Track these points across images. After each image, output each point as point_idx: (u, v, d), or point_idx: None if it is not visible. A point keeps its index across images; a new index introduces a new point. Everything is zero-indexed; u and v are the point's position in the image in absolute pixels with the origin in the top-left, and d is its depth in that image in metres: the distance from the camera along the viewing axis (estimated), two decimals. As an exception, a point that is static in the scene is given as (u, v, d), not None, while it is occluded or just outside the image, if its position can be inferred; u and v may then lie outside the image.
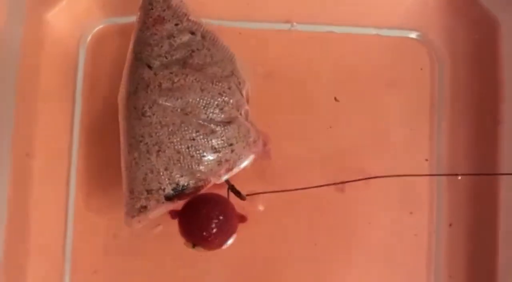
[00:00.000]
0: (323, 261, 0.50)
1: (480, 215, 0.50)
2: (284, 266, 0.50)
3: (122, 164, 0.44)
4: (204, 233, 0.42)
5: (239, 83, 0.45)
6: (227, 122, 0.43)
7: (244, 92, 0.46)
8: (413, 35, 0.52)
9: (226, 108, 0.44)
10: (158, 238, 0.49)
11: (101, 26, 0.51)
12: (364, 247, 0.50)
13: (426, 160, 0.51)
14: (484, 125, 0.50)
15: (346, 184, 0.50)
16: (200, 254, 0.49)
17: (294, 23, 0.51)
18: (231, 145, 0.43)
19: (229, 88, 0.44)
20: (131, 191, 0.43)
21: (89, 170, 0.49)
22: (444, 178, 0.50)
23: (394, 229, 0.50)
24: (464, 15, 0.51)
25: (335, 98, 0.50)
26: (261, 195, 0.49)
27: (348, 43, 0.52)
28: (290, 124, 0.51)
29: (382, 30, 0.52)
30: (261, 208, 0.50)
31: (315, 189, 0.50)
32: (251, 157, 0.45)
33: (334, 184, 0.47)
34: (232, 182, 0.45)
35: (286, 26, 0.51)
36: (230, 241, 0.44)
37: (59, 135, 0.50)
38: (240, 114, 0.45)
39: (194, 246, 0.43)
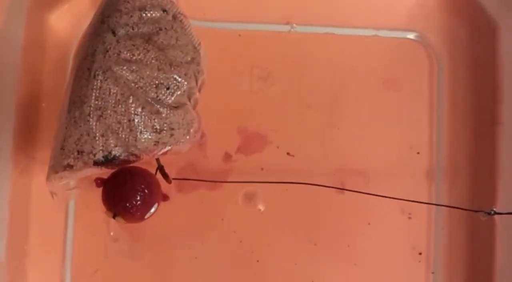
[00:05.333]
0: (323, 261, 0.50)
1: (478, 217, 0.50)
2: (284, 266, 0.50)
3: (59, 119, 0.43)
4: (128, 204, 0.41)
5: (198, 72, 0.45)
6: (175, 107, 0.43)
7: (199, 82, 0.46)
8: (412, 36, 0.52)
9: (177, 93, 0.43)
10: (157, 238, 0.49)
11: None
12: (364, 247, 0.50)
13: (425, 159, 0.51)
14: (483, 126, 0.51)
15: (346, 186, 0.50)
16: (199, 255, 0.49)
17: (294, 25, 0.52)
18: (172, 129, 0.43)
19: (186, 74, 0.44)
20: (62, 148, 0.42)
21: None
22: (443, 179, 0.51)
23: (393, 229, 0.50)
24: (463, 16, 0.51)
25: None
26: (261, 195, 0.49)
27: (347, 44, 0.52)
28: (290, 125, 0.51)
29: (381, 31, 0.52)
30: (261, 208, 0.50)
31: (315, 189, 0.50)
32: (187, 145, 0.45)
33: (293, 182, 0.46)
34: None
35: (286, 28, 0.52)
36: (147, 216, 0.43)
37: (59, 136, 0.50)
38: (189, 102, 0.45)
39: (114, 216, 0.42)
